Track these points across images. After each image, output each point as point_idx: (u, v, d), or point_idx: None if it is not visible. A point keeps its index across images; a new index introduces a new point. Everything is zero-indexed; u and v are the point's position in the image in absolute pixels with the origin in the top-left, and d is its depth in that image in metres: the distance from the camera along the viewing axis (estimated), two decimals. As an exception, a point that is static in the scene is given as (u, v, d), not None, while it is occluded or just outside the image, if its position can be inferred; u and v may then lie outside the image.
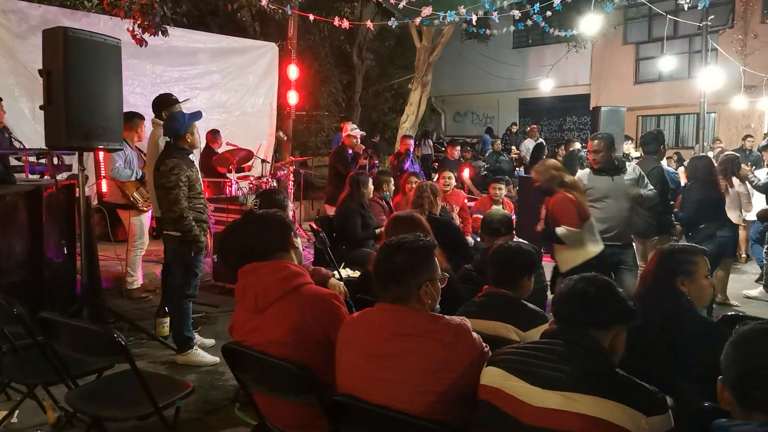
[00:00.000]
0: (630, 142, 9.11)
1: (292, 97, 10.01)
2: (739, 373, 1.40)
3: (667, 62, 13.62)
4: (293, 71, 9.84)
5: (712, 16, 10.68)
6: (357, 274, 4.85)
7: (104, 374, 3.05)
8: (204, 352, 4.51)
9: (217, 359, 4.40)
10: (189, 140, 4.46)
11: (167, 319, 4.76)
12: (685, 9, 8.18)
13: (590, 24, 8.80)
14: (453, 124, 21.51)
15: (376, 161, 9.66)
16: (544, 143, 12.49)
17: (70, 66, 3.96)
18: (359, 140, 7.85)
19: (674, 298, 2.43)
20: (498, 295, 2.76)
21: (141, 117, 6.03)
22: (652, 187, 5.05)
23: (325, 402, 2.07)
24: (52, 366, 2.82)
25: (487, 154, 12.70)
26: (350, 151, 7.62)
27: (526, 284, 2.84)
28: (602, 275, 1.92)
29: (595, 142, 4.98)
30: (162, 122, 4.83)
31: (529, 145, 13.46)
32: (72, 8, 8.25)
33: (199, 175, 4.66)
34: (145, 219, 6.01)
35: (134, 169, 5.85)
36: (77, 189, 4.59)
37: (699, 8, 8.89)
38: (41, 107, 4.06)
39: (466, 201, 7.15)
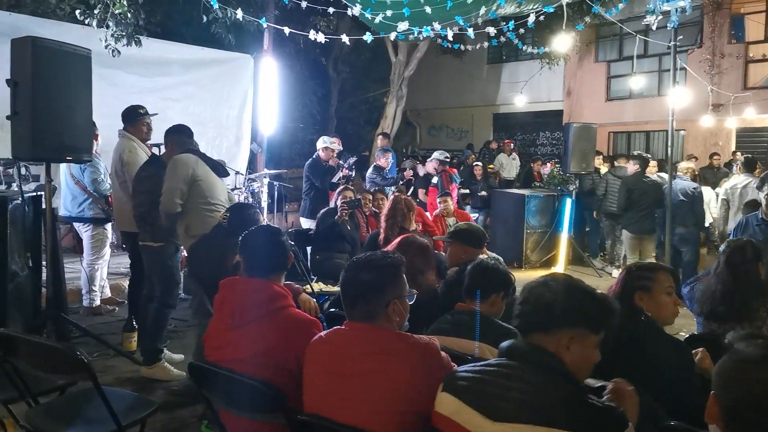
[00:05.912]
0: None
1: (267, 109, 9.99)
2: (737, 397, 1.34)
3: (637, 80, 13.90)
4: (268, 83, 9.82)
5: (681, 37, 10.91)
6: (329, 287, 4.83)
7: (67, 391, 2.98)
8: (171, 366, 4.45)
9: (184, 374, 4.33)
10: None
11: (135, 334, 4.68)
12: (654, 29, 8.33)
13: (562, 42, 8.95)
14: (428, 137, 21.59)
15: (351, 174, 9.56)
16: (518, 158, 12.59)
17: (38, 76, 3.90)
18: (335, 153, 7.84)
19: (630, 313, 2.43)
20: (470, 312, 2.71)
21: (94, 125, 5.70)
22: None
23: (291, 421, 2.04)
24: (12, 383, 2.74)
25: (461, 168, 12.78)
26: (325, 164, 7.61)
27: (497, 301, 2.80)
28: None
29: None
30: (126, 133, 4.90)
31: (502, 159, 13.54)
32: (44, 17, 8.14)
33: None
34: (109, 232, 5.88)
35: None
36: (44, 200, 4.50)
37: (668, 28, 9.08)
38: (7, 117, 3.99)
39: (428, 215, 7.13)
